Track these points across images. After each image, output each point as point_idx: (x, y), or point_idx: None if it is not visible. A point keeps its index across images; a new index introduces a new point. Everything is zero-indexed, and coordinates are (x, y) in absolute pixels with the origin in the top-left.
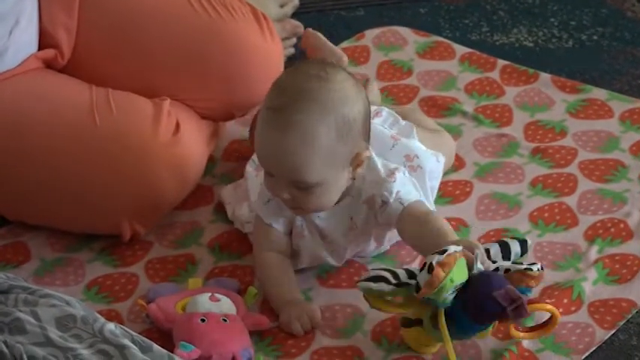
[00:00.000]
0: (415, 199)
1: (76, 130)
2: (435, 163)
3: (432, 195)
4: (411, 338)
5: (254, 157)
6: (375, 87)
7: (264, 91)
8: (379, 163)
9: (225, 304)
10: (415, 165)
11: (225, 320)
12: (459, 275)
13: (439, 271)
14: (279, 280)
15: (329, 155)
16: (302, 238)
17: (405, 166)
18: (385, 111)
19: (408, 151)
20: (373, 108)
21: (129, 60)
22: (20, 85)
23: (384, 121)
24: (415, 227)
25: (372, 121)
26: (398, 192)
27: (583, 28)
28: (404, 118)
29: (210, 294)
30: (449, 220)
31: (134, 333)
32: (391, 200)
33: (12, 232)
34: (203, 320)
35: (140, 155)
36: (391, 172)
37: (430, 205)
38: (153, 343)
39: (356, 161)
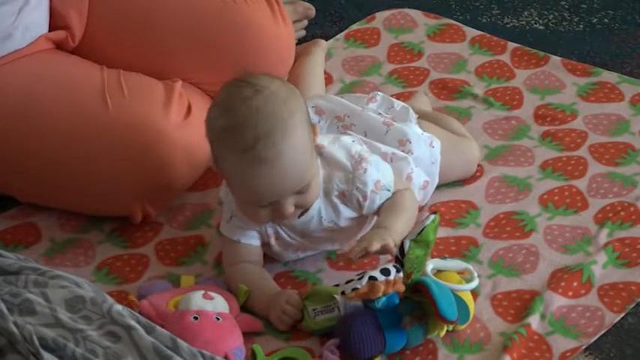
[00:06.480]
0: (397, 186)
1: (87, 111)
2: (426, 148)
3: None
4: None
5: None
6: (424, 97)
7: (276, 74)
8: (339, 153)
9: (219, 303)
10: (407, 150)
11: (219, 319)
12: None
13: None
14: (258, 285)
15: (309, 148)
16: (281, 242)
17: (398, 151)
18: (379, 96)
19: (402, 135)
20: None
21: (140, 42)
22: (31, 67)
23: (378, 106)
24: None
25: (366, 106)
26: (378, 182)
27: (594, 10)
28: (436, 122)
29: (203, 292)
30: (459, 202)
31: (139, 315)
32: (369, 192)
33: (22, 212)
34: (196, 318)
35: (151, 137)
36: (357, 163)
37: (430, 185)
38: (155, 325)
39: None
